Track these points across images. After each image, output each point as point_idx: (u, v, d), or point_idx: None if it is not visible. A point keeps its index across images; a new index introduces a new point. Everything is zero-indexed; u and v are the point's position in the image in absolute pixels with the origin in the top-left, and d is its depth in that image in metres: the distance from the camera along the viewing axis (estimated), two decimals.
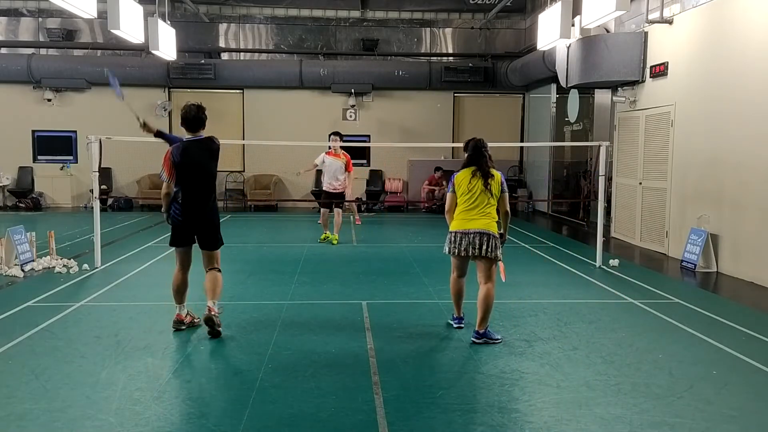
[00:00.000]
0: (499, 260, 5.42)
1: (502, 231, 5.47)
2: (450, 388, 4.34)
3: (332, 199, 10.92)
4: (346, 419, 3.84)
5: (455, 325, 5.75)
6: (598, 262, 8.82)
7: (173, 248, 5.65)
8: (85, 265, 8.27)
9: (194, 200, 5.47)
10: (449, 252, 5.48)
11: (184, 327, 5.61)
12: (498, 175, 5.62)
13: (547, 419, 3.87)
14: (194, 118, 5.46)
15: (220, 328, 5.42)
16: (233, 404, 4.04)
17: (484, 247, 5.27)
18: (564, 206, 15.46)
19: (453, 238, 5.41)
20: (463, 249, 5.33)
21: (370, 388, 4.32)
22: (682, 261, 9.00)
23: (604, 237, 9.22)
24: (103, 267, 8.41)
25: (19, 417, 3.80)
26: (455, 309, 5.79)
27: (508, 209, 5.59)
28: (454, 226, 5.43)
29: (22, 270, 7.98)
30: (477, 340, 5.29)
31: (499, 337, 5.39)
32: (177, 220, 5.50)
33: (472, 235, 5.30)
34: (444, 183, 16.53)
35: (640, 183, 10.82)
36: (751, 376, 4.68)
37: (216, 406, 4.02)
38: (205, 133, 5.54)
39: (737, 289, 7.71)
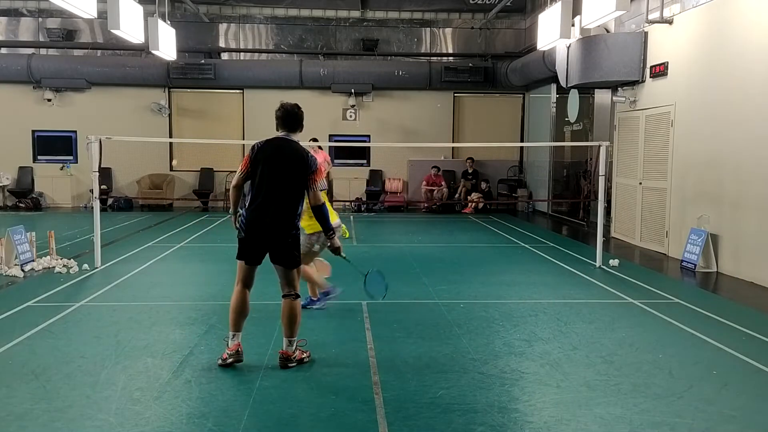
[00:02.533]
0: None
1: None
2: (450, 388, 4.34)
3: None
4: (346, 419, 3.84)
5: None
6: (598, 262, 8.81)
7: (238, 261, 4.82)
8: (85, 265, 8.27)
9: (263, 208, 4.62)
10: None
11: (293, 365, 4.71)
12: None
13: (547, 419, 3.87)
14: (292, 113, 4.91)
15: (292, 365, 4.73)
16: (233, 404, 4.04)
17: None
18: (564, 206, 15.46)
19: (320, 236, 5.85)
20: None
21: (370, 388, 4.32)
22: (682, 261, 9.00)
23: (604, 237, 9.23)
24: (103, 267, 8.41)
25: (19, 417, 3.80)
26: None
27: None
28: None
29: (22, 270, 7.97)
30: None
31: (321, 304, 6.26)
32: (242, 228, 4.70)
33: None
34: (443, 183, 16.55)
35: (640, 183, 10.82)
36: (751, 376, 4.68)
37: (216, 406, 4.02)
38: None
39: (737, 289, 7.71)
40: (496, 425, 3.77)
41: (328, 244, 5.13)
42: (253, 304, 6.44)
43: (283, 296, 4.78)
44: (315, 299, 6.45)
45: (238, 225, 4.74)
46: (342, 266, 9.02)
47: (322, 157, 12.65)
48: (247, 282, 4.76)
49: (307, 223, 5.81)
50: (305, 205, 4.94)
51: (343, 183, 17.19)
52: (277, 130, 4.89)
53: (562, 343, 5.34)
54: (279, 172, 4.65)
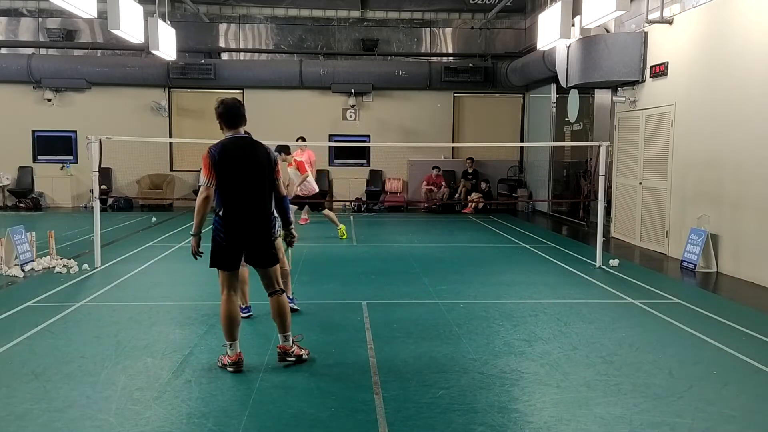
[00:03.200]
0: None
1: None
2: (450, 388, 4.34)
3: (306, 202, 11.30)
4: (346, 419, 3.84)
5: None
6: (598, 262, 8.82)
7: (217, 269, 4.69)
8: (85, 265, 8.27)
9: (240, 212, 4.53)
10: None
11: (291, 359, 4.75)
12: None
13: (547, 419, 3.87)
14: (236, 110, 4.64)
15: (291, 359, 4.78)
16: (233, 404, 4.04)
17: None
18: (564, 206, 15.46)
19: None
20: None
21: (370, 388, 4.32)
22: (682, 261, 9.00)
23: (604, 237, 9.23)
24: (103, 267, 8.41)
25: (19, 417, 3.80)
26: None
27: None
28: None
29: (22, 270, 7.98)
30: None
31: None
32: (219, 237, 4.55)
33: None
34: (443, 183, 16.55)
35: (640, 183, 10.82)
36: (751, 376, 4.68)
37: (216, 406, 4.02)
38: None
39: (737, 289, 7.71)
40: (496, 425, 3.77)
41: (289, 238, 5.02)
42: (253, 305, 6.47)
43: (270, 294, 4.75)
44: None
45: (213, 233, 4.55)
46: (342, 267, 9.02)
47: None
48: (235, 288, 4.67)
49: None
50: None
51: (343, 183, 17.20)
52: (222, 128, 4.67)
53: (562, 343, 5.34)
54: (250, 172, 4.55)
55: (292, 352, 4.75)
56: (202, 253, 4.63)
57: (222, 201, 4.52)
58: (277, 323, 4.75)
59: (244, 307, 5.95)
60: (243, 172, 4.52)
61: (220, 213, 4.54)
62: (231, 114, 4.62)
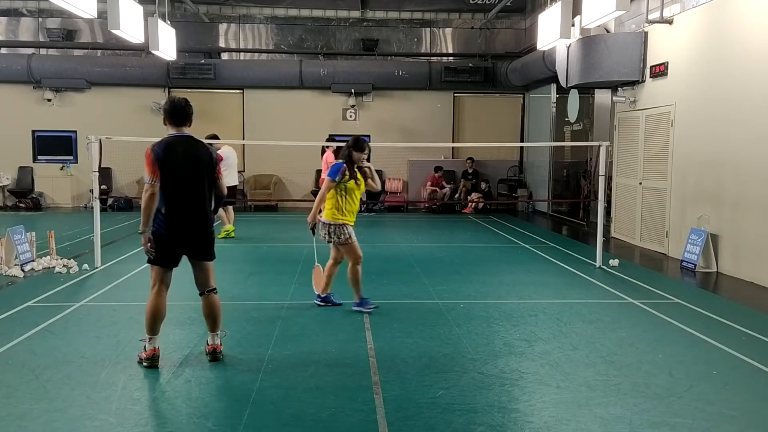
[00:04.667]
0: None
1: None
2: (450, 388, 4.34)
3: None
4: (346, 419, 3.84)
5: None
6: (598, 262, 8.82)
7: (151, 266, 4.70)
8: (85, 265, 8.27)
9: (181, 209, 4.59)
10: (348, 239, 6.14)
11: (222, 357, 4.84)
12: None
13: (547, 419, 3.87)
14: (182, 109, 4.77)
15: (222, 357, 4.87)
16: (233, 404, 4.04)
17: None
18: (564, 206, 15.46)
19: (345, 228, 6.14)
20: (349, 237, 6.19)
21: (370, 388, 4.32)
22: (682, 261, 9.00)
23: (604, 237, 9.22)
24: (103, 267, 8.41)
25: (19, 417, 3.80)
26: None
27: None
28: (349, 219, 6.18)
29: (22, 270, 7.97)
30: (320, 303, 6.46)
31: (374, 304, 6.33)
32: (160, 233, 4.57)
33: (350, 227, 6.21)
34: (444, 183, 16.55)
35: (640, 183, 10.82)
36: (751, 376, 4.68)
37: (216, 406, 4.02)
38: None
39: (737, 289, 7.71)
40: (496, 425, 3.77)
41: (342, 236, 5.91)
42: (252, 304, 6.49)
43: (205, 293, 4.79)
44: (364, 300, 6.43)
45: (153, 234, 4.56)
46: (342, 266, 9.01)
47: (331, 158, 12.74)
48: (167, 283, 4.73)
49: (330, 213, 6.14)
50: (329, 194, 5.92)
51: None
52: (167, 125, 4.81)
53: (562, 343, 5.34)
54: (193, 171, 4.61)
55: (221, 350, 4.87)
56: (154, 249, 4.57)
57: (164, 198, 4.55)
58: (209, 323, 4.82)
59: (322, 295, 6.48)
60: (185, 170, 4.58)
61: (162, 210, 4.56)
62: (178, 113, 4.76)
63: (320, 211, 6.21)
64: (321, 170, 17.17)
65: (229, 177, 10.55)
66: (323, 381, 4.44)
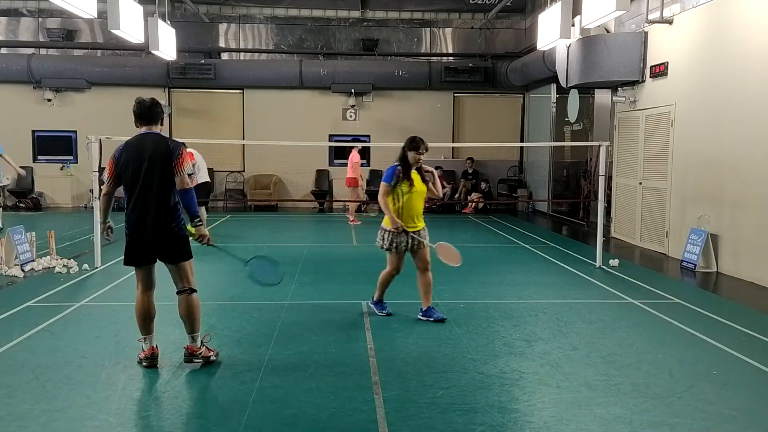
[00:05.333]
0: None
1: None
2: (450, 388, 4.34)
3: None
4: (346, 419, 3.84)
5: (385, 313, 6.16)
6: (598, 262, 8.82)
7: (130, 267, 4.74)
8: (85, 265, 8.27)
9: (136, 206, 4.55)
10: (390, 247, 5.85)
11: (198, 360, 4.69)
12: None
13: (547, 419, 3.87)
14: (148, 109, 4.79)
15: (198, 361, 4.69)
16: (233, 404, 4.04)
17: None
18: (564, 206, 15.46)
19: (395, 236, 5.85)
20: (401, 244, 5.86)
21: (370, 388, 4.32)
22: (682, 261, 9.00)
23: (604, 237, 9.22)
24: (103, 267, 8.41)
25: (19, 417, 3.80)
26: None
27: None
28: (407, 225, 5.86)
29: (22, 270, 7.97)
30: (424, 317, 6.01)
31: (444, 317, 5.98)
32: (125, 233, 4.63)
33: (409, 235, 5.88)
34: (444, 183, 16.55)
35: (640, 183, 10.82)
36: (751, 376, 4.68)
37: (216, 406, 4.02)
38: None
39: (737, 289, 7.71)
40: (496, 425, 3.77)
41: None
42: (252, 305, 6.48)
43: (178, 292, 4.72)
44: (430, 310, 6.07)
45: (112, 232, 4.73)
46: (342, 267, 9.02)
47: (357, 158, 13.36)
48: (147, 284, 4.71)
49: (386, 218, 5.90)
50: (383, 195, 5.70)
51: (343, 183, 17.16)
52: (137, 126, 4.83)
53: (562, 343, 5.34)
54: (146, 168, 4.54)
55: (200, 354, 4.68)
56: (110, 230, 4.74)
57: (126, 198, 4.61)
58: (186, 323, 4.70)
59: (377, 302, 6.21)
60: (137, 167, 4.55)
61: (126, 209, 4.62)
62: (142, 113, 4.78)
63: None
64: (321, 170, 17.28)
65: (198, 176, 10.53)
66: (323, 381, 4.44)
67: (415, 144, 5.82)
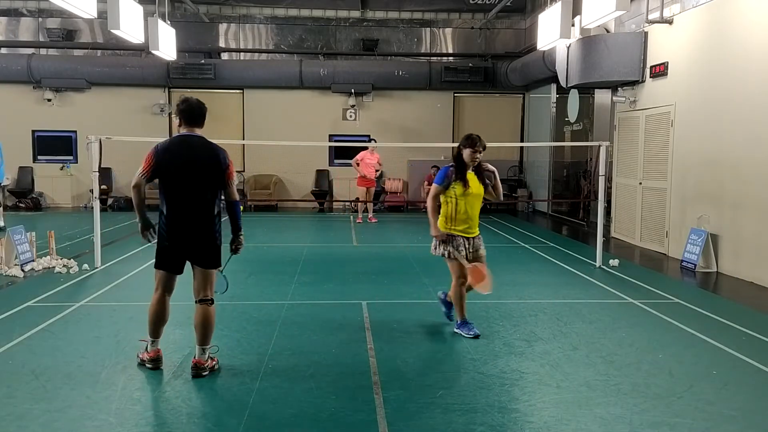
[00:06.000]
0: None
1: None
2: (450, 388, 4.34)
3: None
4: (346, 419, 3.84)
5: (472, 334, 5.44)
6: (598, 262, 8.82)
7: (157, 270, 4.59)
8: (85, 265, 8.27)
9: (180, 211, 4.43)
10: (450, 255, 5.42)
11: (206, 373, 4.49)
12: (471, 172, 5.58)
13: (547, 419, 3.87)
14: (197, 109, 4.53)
15: (206, 374, 4.51)
16: (233, 404, 4.04)
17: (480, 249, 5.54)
18: (564, 206, 15.46)
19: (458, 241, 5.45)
20: (458, 250, 5.47)
21: (370, 388, 4.32)
22: (682, 261, 9.00)
23: (604, 237, 9.23)
24: (103, 267, 8.41)
25: (19, 417, 3.80)
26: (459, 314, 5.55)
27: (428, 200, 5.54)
28: (461, 229, 5.49)
29: (22, 270, 7.97)
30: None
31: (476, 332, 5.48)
32: (162, 236, 4.49)
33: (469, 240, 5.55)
34: None
35: (640, 183, 10.82)
36: (751, 376, 4.68)
37: (216, 406, 4.02)
38: (203, 134, 4.58)
39: (737, 289, 7.71)
40: (496, 425, 3.77)
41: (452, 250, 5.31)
42: (252, 305, 6.48)
43: (199, 301, 4.53)
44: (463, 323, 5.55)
45: (156, 237, 4.50)
46: (342, 267, 9.02)
47: (376, 158, 13.60)
48: (169, 288, 4.57)
49: (441, 222, 5.49)
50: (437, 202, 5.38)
51: (343, 183, 17.20)
52: (180, 126, 4.55)
53: (562, 343, 5.34)
54: (193, 174, 4.39)
55: (207, 366, 4.52)
56: (154, 231, 4.51)
57: (165, 200, 4.43)
58: (198, 333, 4.51)
59: (462, 323, 5.52)
60: (183, 171, 4.39)
61: (164, 212, 4.47)
62: (193, 113, 4.50)
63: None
64: (321, 170, 17.28)
65: None
66: (323, 381, 4.43)
67: (471, 141, 5.40)
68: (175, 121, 4.62)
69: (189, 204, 4.43)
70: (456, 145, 5.76)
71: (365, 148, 14.26)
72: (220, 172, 4.48)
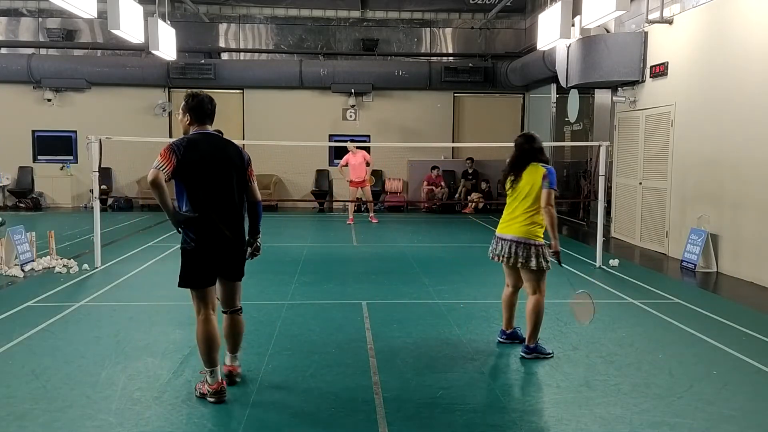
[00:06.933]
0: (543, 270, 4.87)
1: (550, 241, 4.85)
2: (450, 388, 4.34)
3: None
4: (346, 419, 3.84)
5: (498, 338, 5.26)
6: (598, 262, 8.81)
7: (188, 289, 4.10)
8: (85, 265, 8.27)
9: (210, 216, 3.99)
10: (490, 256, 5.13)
11: (239, 379, 4.38)
12: (540, 169, 4.92)
13: (547, 419, 3.87)
14: (208, 104, 4.24)
15: (238, 379, 4.39)
16: (233, 404, 4.04)
17: (519, 257, 4.89)
18: (564, 206, 15.45)
19: (492, 242, 5.15)
20: (497, 255, 5.11)
21: (370, 388, 4.32)
22: (682, 261, 9.00)
23: (604, 237, 9.22)
24: (103, 267, 8.41)
25: (19, 417, 3.80)
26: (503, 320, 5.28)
27: (548, 206, 4.84)
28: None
29: (22, 270, 7.98)
30: (526, 355, 4.92)
31: (551, 351, 4.97)
32: (189, 246, 4.01)
33: (503, 241, 5.04)
34: (443, 183, 16.55)
35: (640, 183, 10.82)
36: (751, 376, 4.68)
37: (216, 406, 4.01)
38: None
39: (737, 289, 7.71)
40: (496, 425, 3.77)
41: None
42: (252, 305, 6.47)
43: (230, 312, 4.25)
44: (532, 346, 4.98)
45: (183, 245, 4.04)
46: (342, 267, 9.02)
47: (361, 157, 13.64)
48: (211, 304, 4.11)
49: (533, 229, 4.94)
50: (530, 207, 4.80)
51: (344, 183, 17.18)
52: (193, 123, 4.16)
53: (562, 343, 5.34)
54: (221, 174, 4.02)
55: (239, 372, 4.40)
56: (183, 221, 3.99)
57: (191, 205, 3.98)
58: (229, 343, 4.30)
59: (508, 332, 5.24)
60: (212, 170, 3.99)
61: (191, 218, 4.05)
62: (204, 109, 4.18)
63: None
64: (321, 170, 17.26)
65: None
66: (323, 381, 4.44)
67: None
68: (181, 118, 4.25)
69: (222, 208, 4.02)
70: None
71: (362, 149, 14.24)
72: (243, 171, 4.16)
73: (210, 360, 4.05)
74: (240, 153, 4.19)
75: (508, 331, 5.30)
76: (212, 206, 4.00)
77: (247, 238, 4.25)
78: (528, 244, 4.85)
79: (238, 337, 4.34)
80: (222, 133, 4.48)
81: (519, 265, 4.90)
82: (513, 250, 4.93)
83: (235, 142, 4.40)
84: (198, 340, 4.06)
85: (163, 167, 3.86)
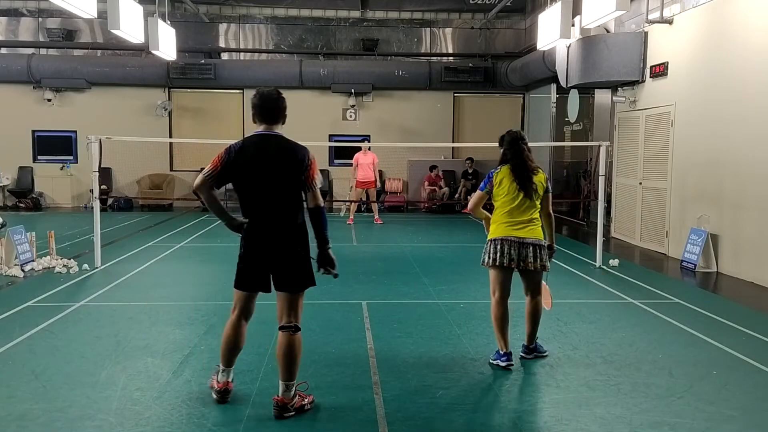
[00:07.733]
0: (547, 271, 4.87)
1: (548, 241, 4.91)
2: (450, 388, 4.34)
3: None
4: (346, 419, 3.84)
5: (502, 364, 4.73)
6: (598, 262, 8.81)
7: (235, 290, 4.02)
8: (85, 265, 8.27)
9: (257, 221, 3.86)
10: (490, 263, 4.80)
11: (290, 414, 3.85)
12: (541, 172, 5.08)
13: (547, 419, 3.87)
14: (273, 103, 3.97)
15: (290, 414, 3.86)
16: (233, 404, 4.04)
17: (537, 259, 4.76)
18: (564, 206, 15.46)
19: (495, 247, 4.79)
20: (512, 259, 4.74)
21: (370, 388, 4.32)
22: (682, 261, 9.00)
23: (604, 237, 9.22)
24: (103, 267, 8.41)
25: (19, 417, 3.80)
26: (500, 341, 4.81)
27: (551, 211, 4.99)
28: (497, 233, 4.83)
29: (22, 270, 7.97)
30: (527, 356, 4.93)
31: (546, 350, 5.02)
32: (240, 250, 3.94)
33: (518, 244, 4.76)
34: (442, 184, 16.56)
35: (640, 183, 10.82)
36: (751, 376, 4.68)
37: (216, 406, 4.02)
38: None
39: (737, 289, 7.71)
40: (496, 425, 3.77)
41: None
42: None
43: (282, 328, 3.92)
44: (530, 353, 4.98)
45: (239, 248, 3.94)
46: (342, 267, 8.99)
47: (371, 159, 13.60)
48: (246, 312, 4.02)
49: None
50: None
51: (344, 183, 17.20)
52: (255, 122, 3.97)
53: (562, 343, 5.34)
54: (271, 178, 3.80)
55: (293, 405, 3.86)
56: (236, 228, 3.95)
57: (242, 209, 3.90)
58: (282, 367, 3.86)
59: (503, 352, 4.78)
60: (258, 174, 3.80)
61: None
62: (265, 108, 3.93)
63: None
64: (321, 170, 17.23)
65: None
66: (323, 381, 4.44)
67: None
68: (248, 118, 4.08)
69: (267, 213, 3.84)
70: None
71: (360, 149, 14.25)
72: (299, 174, 3.83)
73: (225, 359, 4.05)
74: (292, 156, 3.85)
75: (531, 346, 4.98)
76: (256, 212, 3.87)
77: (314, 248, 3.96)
78: (542, 245, 4.86)
79: (289, 360, 3.84)
80: (281, 136, 4.00)
81: (532, 267, 4.76)
82: (533, 253, 4.76)
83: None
84: (223, 337, 4.05)
85: (209, 173, 3.83)
